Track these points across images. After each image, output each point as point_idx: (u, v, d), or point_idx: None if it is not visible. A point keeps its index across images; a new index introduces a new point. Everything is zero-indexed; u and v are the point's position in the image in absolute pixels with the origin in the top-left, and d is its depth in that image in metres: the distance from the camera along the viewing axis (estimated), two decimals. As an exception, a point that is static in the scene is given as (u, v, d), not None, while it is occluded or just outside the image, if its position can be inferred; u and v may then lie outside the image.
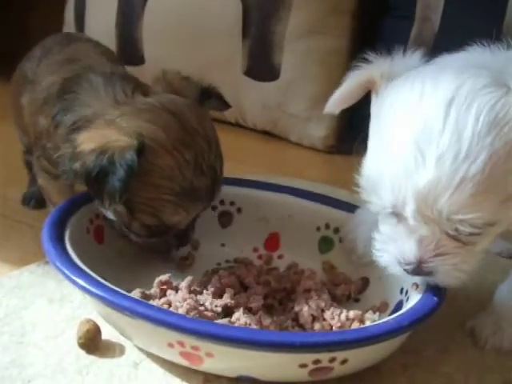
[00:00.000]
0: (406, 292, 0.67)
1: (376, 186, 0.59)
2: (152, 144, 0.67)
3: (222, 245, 0.81)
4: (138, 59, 1.51)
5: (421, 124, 0.57)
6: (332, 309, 0.64)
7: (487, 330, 0.73)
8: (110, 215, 0.73)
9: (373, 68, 0.67)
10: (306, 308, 0.63)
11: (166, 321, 0.54)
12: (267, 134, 1.43)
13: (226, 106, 0.84)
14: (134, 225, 0.72)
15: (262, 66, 1.40)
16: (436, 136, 0.56)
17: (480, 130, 0.55)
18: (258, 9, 1.38)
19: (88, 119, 0.72)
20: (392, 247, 0.61)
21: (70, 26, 1.65)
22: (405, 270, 0.60)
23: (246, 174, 0.96)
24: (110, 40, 1.53)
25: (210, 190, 0.71)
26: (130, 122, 0.69)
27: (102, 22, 1.56)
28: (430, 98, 0.58)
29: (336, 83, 1.45)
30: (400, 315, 0.58)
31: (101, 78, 0.77)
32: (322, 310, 0.64)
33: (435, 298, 0.61)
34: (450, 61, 0.64)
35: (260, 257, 0.80)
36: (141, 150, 0.65)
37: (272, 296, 0.69)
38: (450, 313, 0.75)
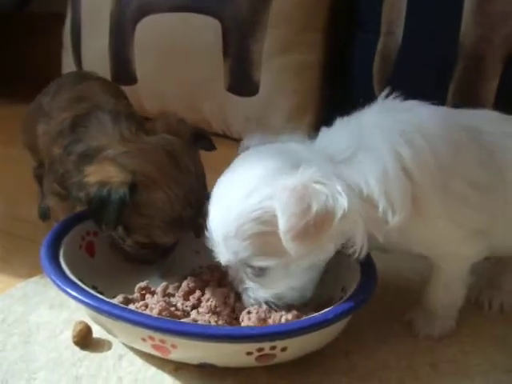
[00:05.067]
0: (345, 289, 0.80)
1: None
2: (147, 181, 0.80)
3: (197, 252, 0.94)
4: (131, 79, 1.64)
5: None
6: (272, 316, 0.74)
7: (421, 320, 0.85)
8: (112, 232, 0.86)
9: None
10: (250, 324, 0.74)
11: (135, 320, 0.69)
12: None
13: (213, 147, 0.93)
14: (129, 241, 0.85)
15: (242, 82, 1.52)
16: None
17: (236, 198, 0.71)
18: (236, 30, 1.50)
19: (95, 150, 0.85)
20: None
21: (67, 49, 1.79)
22: None
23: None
24: (104, 61, 1.66)
25: (194, 218, 0.82)
26: (131, 160, 0.81)
27: (96, 45, 1.69)
28: (229, 167, 0.75)
29: (310, 96, 1.60)
30: (327, 311, 0.71)
31: (108, 116, 0.89)
32: (264, 320, 0.74)
33: (358, 299, 0.74)
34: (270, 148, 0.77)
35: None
36: (133, 187, 0.78)
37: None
38: (390, 306, 0.89)
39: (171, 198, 0.80)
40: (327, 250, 0.74)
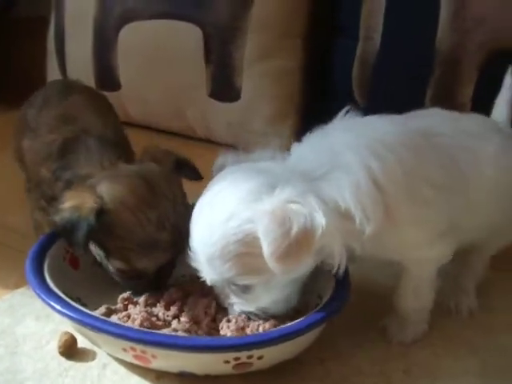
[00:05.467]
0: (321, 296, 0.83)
1: None
2: (118, 205, 0.82)
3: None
4: (114, 85, 1.66)
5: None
6: (251, 325, 0.78)
7: (394, 326, 0.88)
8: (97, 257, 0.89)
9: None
10: (229, 333, 0.78)
11: (117, 332, 0.73)
12: (233, 148, 1.59)
13: (198, 176, 0.94)
14: (111, 268, 0.87)
15: (224, 88, 1.54)
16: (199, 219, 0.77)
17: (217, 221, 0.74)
18: (218, 37, 1.52)
19: (82, 178, 0.88)
20: None
21: (52, 54, 1.81)
22: None
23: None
24: (88, 67, 1.69)
25: (172, 243, 0.83)
26: (105, 186, 0.84)
27: (80, 51, 1.71)
28: (208, 188, 0.78)
29: (291, 101, 1.63)
30: (301, 320, 0.75)
31: (95, 143, 0.93)
32: (243, 328, 0.78)
33: (332, 307, 0.78)
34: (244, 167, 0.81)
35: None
36: (102, 211, 0.81)
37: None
38: (365, 312, 0.91)
39: (142, 221, 0.82)
40: (308, 266, 0.77)
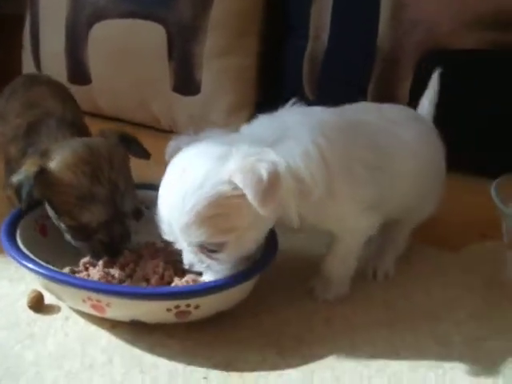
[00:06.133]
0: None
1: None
2: (59, 164, 0.95)
3: (136, 233, 1.08)
4: (85, 79, 1.78)
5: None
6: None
7: (319, 287, 1.01)
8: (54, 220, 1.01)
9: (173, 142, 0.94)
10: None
11: (76, 284, 0.87)
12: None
13: (145, 153, 1.05)
14: (62, 226, 0.99)
15: (185, 83, 1.66)
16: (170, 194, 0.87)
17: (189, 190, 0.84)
18: (179, 35, 1.64)
19: (41, 151, 1.01)
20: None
21: (27, 50, 1.92)
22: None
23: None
24: (61, 63, 1.81)
25: (109, 199, 0.95)
26: (53, 152, 0.98)
27: (53, 47, 1.82)
28: (171, 166, 0.89)
29: (247, 95, 1.75)
30: (230, 275, 0.88)
31: (55, 123, 1.07)
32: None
33: (255, 266, 0.91)
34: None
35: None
36: (43, 170, 0.94)
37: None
38: (297, 274, 1.05)
39: (78, 175, 0.94)
40: (272, 218, 0.89)
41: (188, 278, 0.91)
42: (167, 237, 0.89)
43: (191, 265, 0.90)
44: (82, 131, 1.10)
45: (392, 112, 1.08)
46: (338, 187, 0.92)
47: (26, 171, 0.95)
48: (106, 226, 0.98)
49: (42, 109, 1.11)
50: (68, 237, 1.01)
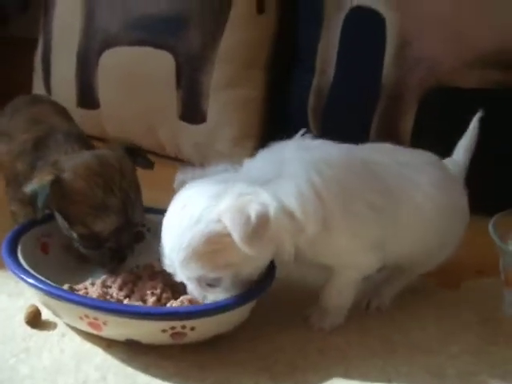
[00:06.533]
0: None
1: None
2: (72, 175, 0.99)
3: (137, 255, 1.09)
4: (94, 104, 1.80)
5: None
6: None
7: (316, 316, 1.01)
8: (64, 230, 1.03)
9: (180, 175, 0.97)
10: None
11: (74, 300, 0.87)
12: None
13: (149, 164, 1.09)
14: (74, 235, 1.01)
15: (192, 111, 1.68)
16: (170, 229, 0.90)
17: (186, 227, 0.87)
18: (188, 64, 1.67)
19: (49, 163, 1.04)
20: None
21: (38, 73, 1.95)
22: None
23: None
24: (71, 87, 1.83)
25: (121, 208, 0.98)
26: (64, 163, 1.01)
27: (64, 72, 1.84)
28: (174, 201, 0.92)
29: (252, 126, 1.77)
30: (225, 299, 0.89)
31: (62, 137, 1.10)
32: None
33: (249, 293, 0.92)
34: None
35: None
36: (57, 180, 0.97)
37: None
38: (293, 304, 1.05)
39: (91, 185, 0.98)
40: (267, 256, 0.92)
41: (183, 298, 0.92)
42: (168, 269, 0.91)
43: (192, 295, 0.93)
44: (88, 145, 1.13)
45: (408, 155, 1.07)
46: (335, 223, 0.93)
47: (40, 180, 0.98)
48: (116, 233, 1.01)
49: (48, 124, 1.14)
50: (77, 244, 1.03)
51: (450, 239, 1.08)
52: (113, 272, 1.03)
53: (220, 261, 0.88)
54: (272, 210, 0.86)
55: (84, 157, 1.03)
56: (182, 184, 0.95)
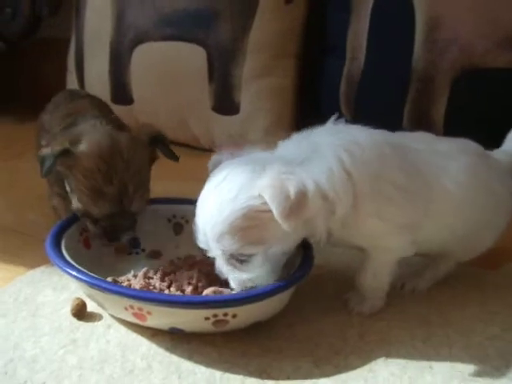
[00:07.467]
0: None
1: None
2: (80, 151, 1.02)
3: (176, 247, 1.13)
4: (128, 100, 1.84)
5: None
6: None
7: (354, 299, 1.03)
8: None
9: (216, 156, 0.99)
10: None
11: (119, 291, 0.89)
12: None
13: (173, 155, 1.10)
14: (73, 203, 1.05)
15: (225, 103, 1.71)
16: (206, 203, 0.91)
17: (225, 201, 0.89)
18: (220, 57, 1.70)
19: (76, 131, 1.07)
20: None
21: (72, 72, 1.99)
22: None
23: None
24: (104, 84, 1.87)
25: (117, 199, 1.01)
26: (84, 135, 1.04)
27: (97, 69, 1.89)
28: (210, 178, 0.93)
29: (284, 115, 1.79)
30: (266, 286, 0.90)
31: (91, 118, 1.12)
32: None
33: (292, 278, 0.93)
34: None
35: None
36: (67, 151, 1.01)
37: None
38: (332, 288, 1.08)
39: (94, 169, 1.01)
40: (300, 234, 0.93)
41: (214, 288, 0.95)
42: (201, 245, 0.93)
43: (220, 272, 0.94)
44: (120, 126, 1.14)
45: (445, 144, 1.06)
46: (362, 203, 0.94)
47: (53, 148, 1.02)
48: (109, 217, 1.04)
49: (81, 114, 1.16)
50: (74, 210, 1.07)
51: (488, 231, 1.07)
52: (107, 245, 1.08)
53: (255, 237, 0.90)
54: (310, 188, 0.88)
55: (101, 136, 1.04)
56: (218, 164, 0.96)
